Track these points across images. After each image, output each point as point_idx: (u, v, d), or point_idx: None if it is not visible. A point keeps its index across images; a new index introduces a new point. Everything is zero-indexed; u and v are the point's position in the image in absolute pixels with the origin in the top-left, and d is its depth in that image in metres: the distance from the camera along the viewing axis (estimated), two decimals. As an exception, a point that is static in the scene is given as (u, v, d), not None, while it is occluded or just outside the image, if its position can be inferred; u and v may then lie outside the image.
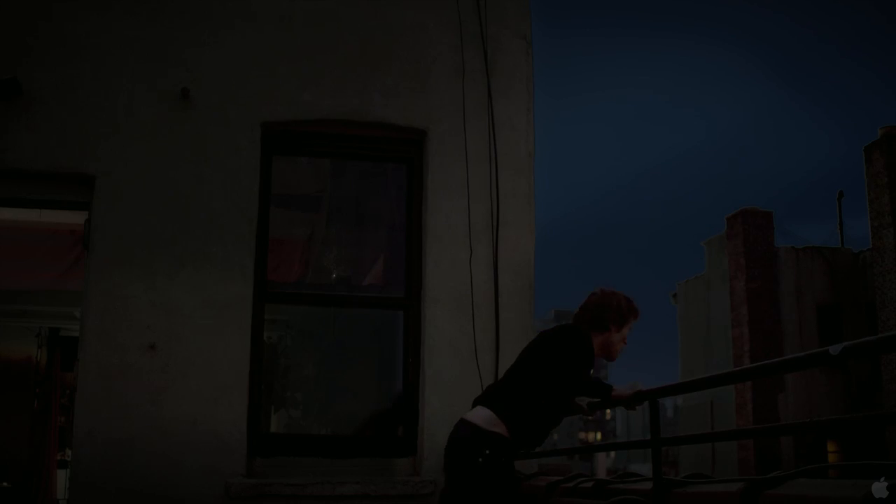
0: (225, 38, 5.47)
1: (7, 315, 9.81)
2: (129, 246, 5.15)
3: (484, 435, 3.92)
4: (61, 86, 5.25)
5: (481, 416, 3.99)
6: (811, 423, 5.94)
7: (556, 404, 4.13)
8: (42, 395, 10.45)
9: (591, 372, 4.21)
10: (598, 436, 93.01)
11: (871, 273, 23.18)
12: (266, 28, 5.53)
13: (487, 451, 3.93)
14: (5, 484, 10.14)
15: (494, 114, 5.64)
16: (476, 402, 4.13)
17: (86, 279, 5.16)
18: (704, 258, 28.10)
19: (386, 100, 5.56)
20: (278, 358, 6.11)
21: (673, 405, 40.23)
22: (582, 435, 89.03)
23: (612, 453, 60.46)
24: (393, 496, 5.13)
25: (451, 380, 5.33)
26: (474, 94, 5.65)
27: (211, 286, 5.17)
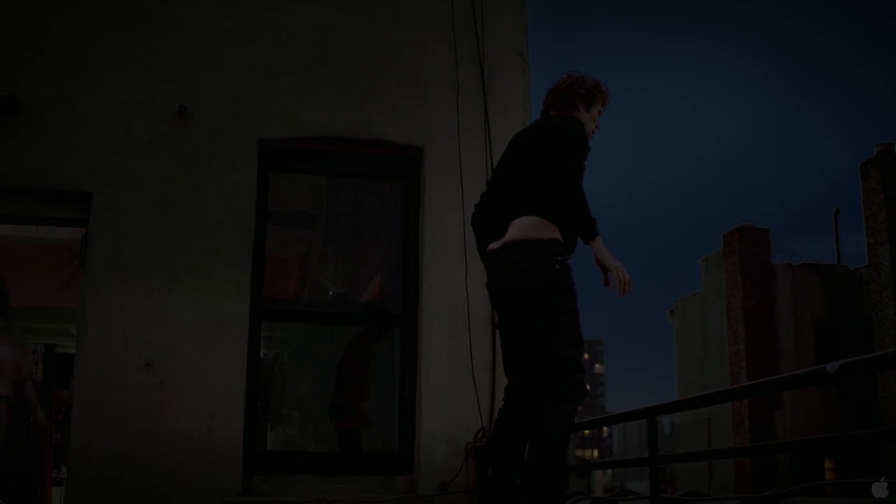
0: (222, 55, 5.48)
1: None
2: (125, 262, 5.15)
3: (545, 244, 3.52)
4: (58, 101, 5.26)
5: (527, 225, 3.58)
6: (808, 441, 5.92)
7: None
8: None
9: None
10: (595, 453, 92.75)
11: (867, 290, 23.22)
12: (263, 44, 5.55)
13: (560, 258, 3.52)
14: (0, 501, 10.07)
15: (491, 131, 5.65)
16: (496, 221, 3.69)
17: (82, 295, 5.16)
18: (701, 275, 28.15)
19: (383, 117, 5.58)
20: (275, 375, 6.10)
21: (669, 422, 40.17)
22: (579, 452, 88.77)
23: (609, 470, 60.24)
24: (389, 514, 5.11)
25: (448, 396, 5.32)
26: (471, 111, 5.67)
27: (208, 303, 5.16)
